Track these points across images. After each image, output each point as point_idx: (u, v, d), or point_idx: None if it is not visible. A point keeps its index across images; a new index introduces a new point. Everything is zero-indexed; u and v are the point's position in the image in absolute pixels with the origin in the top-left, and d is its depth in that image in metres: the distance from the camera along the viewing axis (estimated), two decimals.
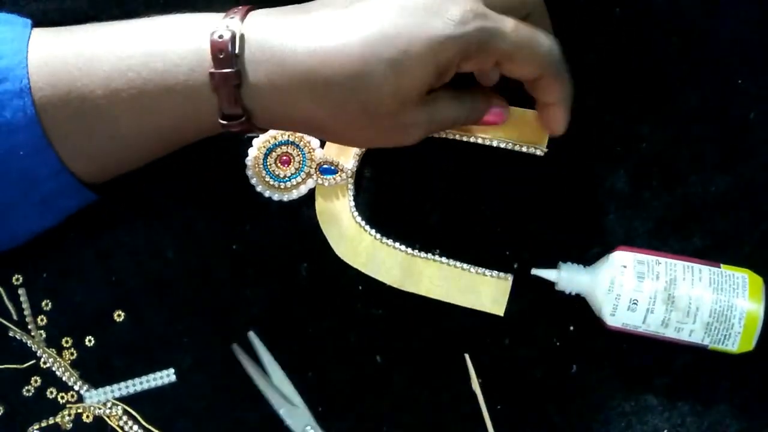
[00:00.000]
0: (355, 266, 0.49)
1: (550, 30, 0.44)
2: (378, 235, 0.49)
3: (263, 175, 0.48)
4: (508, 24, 0.39)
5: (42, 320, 0.48)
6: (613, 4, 0.50)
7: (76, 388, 0.48)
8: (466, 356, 0.49)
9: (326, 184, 0.49)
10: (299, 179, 0.49)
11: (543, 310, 0.49)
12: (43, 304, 0.48)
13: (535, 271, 0.47)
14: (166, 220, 0.49)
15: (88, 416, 0.48)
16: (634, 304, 0.45)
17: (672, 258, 0.46)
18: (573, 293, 0.47)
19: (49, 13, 0.49)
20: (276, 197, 0.48)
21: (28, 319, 0.48)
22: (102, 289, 0.48)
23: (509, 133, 0.49)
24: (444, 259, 0.49)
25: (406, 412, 0.48)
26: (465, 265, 0.49)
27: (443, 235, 0.50)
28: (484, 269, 0.49)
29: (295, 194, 0.49)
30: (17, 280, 0.48)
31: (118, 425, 0.48)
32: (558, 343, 0.49)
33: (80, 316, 0.48)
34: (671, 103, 0.50)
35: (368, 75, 0.38)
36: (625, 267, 0.45)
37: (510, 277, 0.49)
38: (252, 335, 0.48)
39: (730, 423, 0.48)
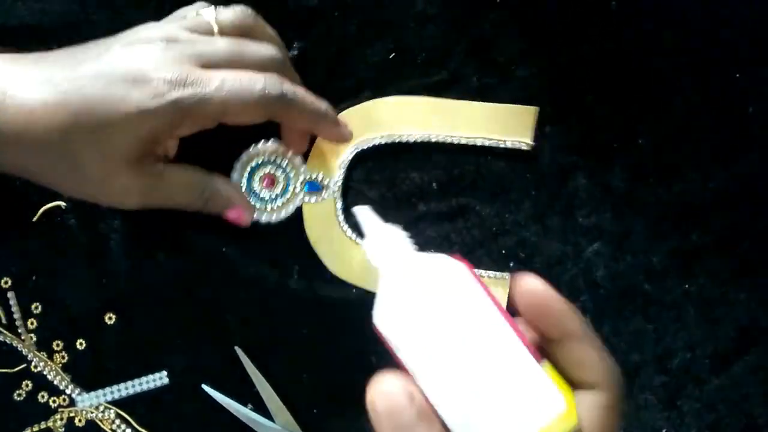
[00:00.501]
0: (350, 282, 0.48)
1: (299, 82, 0.45)
2: None
3: (248, 198, 0.47)
4: (212, 84, 0.40)
5: (32, 323, 0.48)
6: None
7: (68, 391, 0.47)
8: None
9: (313, 200, 0.48)
10: (285, 199, 0.48)
11: None
12: (33, 307, 0.48)
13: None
14: (156, 223, 0.48)
15: (80, 420, 0.47)
16: None
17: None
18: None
19: (36, 14, 0.49)
20: (264, 219, 0.47)
21: (18, 323, 0.47)
22: (92, 291, 0.48)
23: (492, 128, 0.49)
24: None
25: None
26: None
27: (437, 240, 0.49)
28: (480, 270, 0.48)
29: (283, 214, 0.48)
30: (6, 283, 0.48)
31: (111, 429, 0.47)
32: None
33: (71, 319, 0.48)
34: (668, 99, 0.50)
35: (71, 141, 0.38)
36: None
37: (507, 276, 0.48)
38: (238, 350, 0.48)
39: (730, 422, 0.47)
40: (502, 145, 0.49)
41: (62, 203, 0.47)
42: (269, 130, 0.46)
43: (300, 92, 0.43)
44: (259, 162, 0.47)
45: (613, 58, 0.50)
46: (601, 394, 0.31)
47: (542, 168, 0.49)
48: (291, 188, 0.48)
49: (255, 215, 0.47)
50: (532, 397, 0.29)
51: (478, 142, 0.49)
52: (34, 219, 0.47)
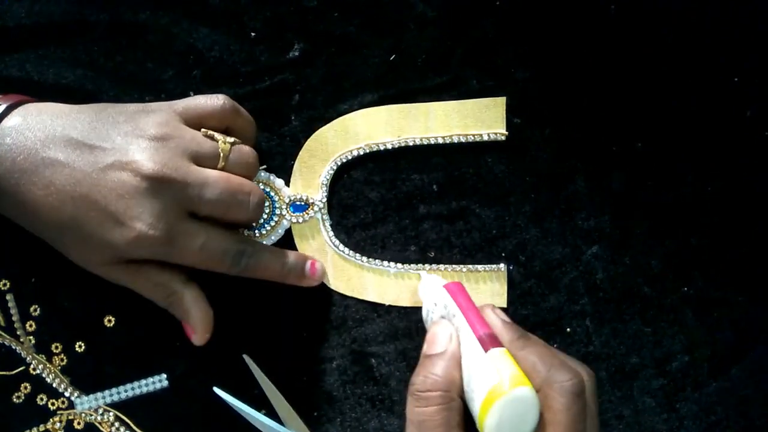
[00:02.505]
0: (349, 294, 0.49)
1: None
2: (364, 260, 0.49)
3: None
4: (194, 245, 0.42)
5: (31, 326, 0.47)
6: (608, 1, 0.50)
7: (67, 394, 0.47)
8: None
9: (300, 221, 0.48)
10: (273, 223, 0.48)
11: (538, 312, 0.49)
12: (32, 309, 0.48)
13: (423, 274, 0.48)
14: None
15: (79, 423, 0.47)
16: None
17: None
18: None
19: (34, 16, 0.48)
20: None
21: (16, 325, 0.47)
22: (91, 294, 0.48)
23: (466, 125, 0.49)
24: (435, 266, 0.49)
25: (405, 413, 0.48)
26: (456, 266, 0.48)
27: (437, 242, 0.49)
28: (476, 265, 0.49)
29: (273, 238, 0.48)
30: (5, 285, 0.47)
31: (110, 431, 0.47)
32: (555, 345, 0.48)
33: (70, 322, 0.48)
34: (667, 102, 0.50)
35: (58, 228, 0.41)
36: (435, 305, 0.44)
37: (503, 267, 0.49)
38: (247, 358, 0.47)
39: (729, 425, 0.47)
40: (479, 140, 0.49)
41: None
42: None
43: (264, 258, 0.45)
44: None
45: (612, 61, 0.50)
46: (547, 395, 0.37)
47: (542, 171, 0.49)
48: (277, 212, 0.48)
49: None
50: (482, 375, 0.38)
51: (455, 140, 0.49)
52: None
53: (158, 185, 0.40)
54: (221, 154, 0.43)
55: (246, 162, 0.45)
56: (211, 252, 0.42)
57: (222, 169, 0.43)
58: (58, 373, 0.47)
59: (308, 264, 0.47)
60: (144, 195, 0.40)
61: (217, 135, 0.44)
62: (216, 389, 0.46)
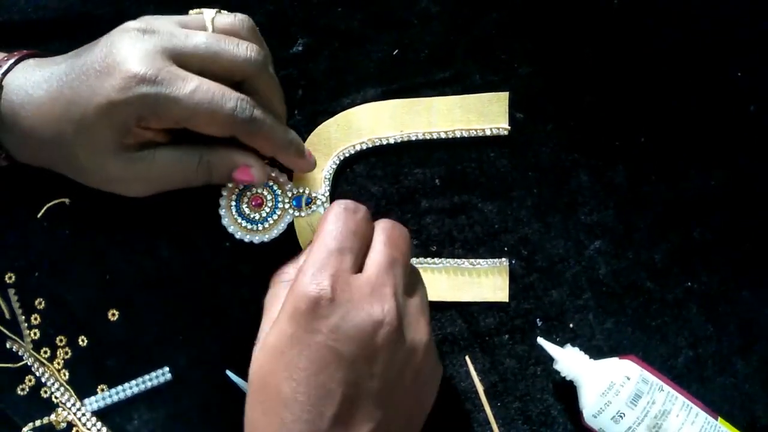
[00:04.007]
0: None
1: (277, 92, 0.45)
2: None
3: (239, 221, 0.47)
4: (186, 88, 0.40)
5: (35, 319, 0.48)
6: None
7: (64, 399, 0.47)
8: (467, 359, 0.48)
9: (303, 215, 0.48)
10: (276, 217, 0.48)
11: (540, 307, 0.49)
12: (36, 302, 0.48)
13: (540, 341, 0.47)
14: (160, 219, 0.48)
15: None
16: (620, 416, 0.44)
17: (676, 390, 0.45)
18: (568, 378, 0.46)
19: (39, 10, 0.49)
20: (257, 240, 0.47)
21: (20, 318, 0.48)
22: (96, 287, 0.48)
23: (468, 119, 0.49)
24: (437, 260, 0.49)
25: None
26: (459, 261, 0.48)
27: (440, 236, 0.49)
28: (478, 260, 0.49)
29: (275, 233, 0.48)
30: (10, 278, 0.48)
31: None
32: (557, 339, 0.48)
33: (74, 315, 0.48)
34: (670, 97, 0.50)
35: (64, 133, 0.41)
36: (628, 379, 0.44)
37: (505, 262, 0.49)
38: (230, 373, 0.47)
39: (733, 422, 0.47)
40: (482, 134, 0.49)
41: (66, 200, 0.48)
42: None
43: (268, 120, 0.43)
44: (245, 185, 0.47)
45: (615, 55, 0.50)
46: None
47: (544, 165, 0.49)
48: (280, 206, 0.48)
49: (247, 237, 0.47)
50: None
51: (458, 135, 0.49)
52: (39, 215, 0.47)
53: (143, 33, 0.40)
54: (205, 18, 0.43)
55: (234, 21, 0.43)
56: (207, 96, 0.40)
57: None
58: (59, 377, 0.47)
59: (306, 148, 0.47)
60: (130, 41, 0.40)
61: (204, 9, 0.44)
62: (228, 372, 0.46)
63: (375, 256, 0.41)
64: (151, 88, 0.39)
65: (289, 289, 0.39)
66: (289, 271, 0.43)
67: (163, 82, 0.40)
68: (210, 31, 0.43)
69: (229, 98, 0.41)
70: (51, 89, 0.41)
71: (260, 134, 0.43)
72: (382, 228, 0.42)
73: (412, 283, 0.42)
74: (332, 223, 0.41)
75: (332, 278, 0.38)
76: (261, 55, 0.43)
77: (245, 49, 0.42)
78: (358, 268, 0.40)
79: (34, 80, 0.41)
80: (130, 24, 0.41)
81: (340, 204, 0.41)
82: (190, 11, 0.44)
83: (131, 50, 0.40)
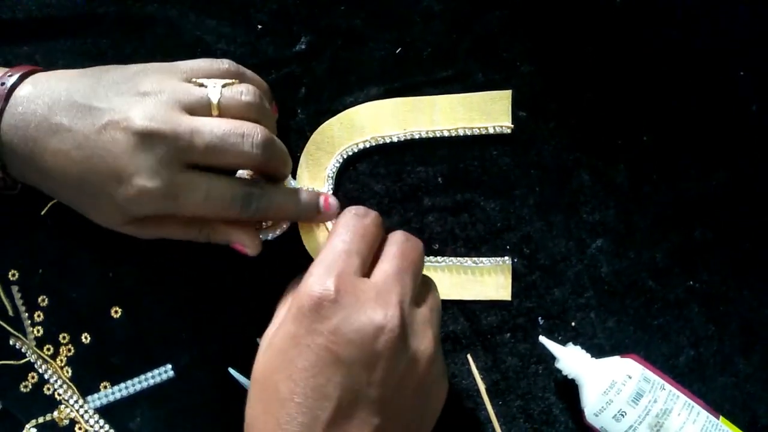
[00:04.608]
0: None
1: (283, 163, 0.45)
2: None
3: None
4: (196, 197, 0.41)
5: (39, 316, 0.48)
6: None
7: (67, 397, 0.47)
8: (469, 357, 0.49)
9: None
10: None
11: (542, 305, 0.49)
12: (40, 300, 0.48)
13: (542, 340, 0.47)
14: None
15: (80, 428, 0.47)
16: (622, 415, 0.44)
17: (677, 389, 0.45)
18: (570, 377, 0.46)
19: (44, 8, 0.49)
20: (260, 237, 0.47)
21: (23, 315, 0.48)
22: (99, 285, 0.48)
23: (471, 117, 0.49)
24: (440, 259, 0.49)
25: None
26: (461, 260, 0.49)
27: (442, 234, 0.49)
28: (481, 259, 0.49)
29: (278, 231, 0.48)
30: (13, 275, 0.48)
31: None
32: (559, 338, 0.48)
33: (77, 313, 0.48)
34: (672, 96, 0.50)
35: (81, 194, 0.42)
36: (630, 377, 0.44)
37: (508, 260, 0.49)
38: (232, 371, 0.48)
39: (734, 422, 0.47)
40: (484, 132, 0.49)
41: None
42: None
43: (275, 201, 0.44)
44: None
45: (617, 54, 0.50)
46: None
47: (547, 164, 0.49)
48: None
49: None
50: None
51: (461, 133, 0.49)
52: (43, 213, 0.47)
53: (149, 139, 0.40)
54: (210, 100, 0.42)
55: (240, 102, 0.43)
56: (217, 200, 0.42)
57: (219, 115, 0.42)
58: (62, 375, 0.48)
59: (321, 199, 0.46)
60: (137, 150, 0.40)
61: (206, 81, 0.43)
62: (231, 370, 0.47)
63: (384, 265, 0.41)
64: (164, 202, 0.41)
65: (295, 289, 0.39)
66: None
67: (175, 194, 0.41)
68: (216, 114, 0.42)
69: (236, 198, 0.42)
70: (62, 149, 0.40)
71: (271, 212, 0.44)
72: (395, 240, 0.42)
73: (423, 293, 0.42)
74: (342, 227, 0.41)
75: (337, 279, 0.38)
76: (267, 144, 0.42)
77: (250, 146, 0.42)
78: (366, 272, 0.40)
79: (45, 118, 0.41)
80: (135, 122, 0.40)
81: (351, 210, 0.42)
82: (194, 79, 0.43)
83: (140, 163, 0.40)
